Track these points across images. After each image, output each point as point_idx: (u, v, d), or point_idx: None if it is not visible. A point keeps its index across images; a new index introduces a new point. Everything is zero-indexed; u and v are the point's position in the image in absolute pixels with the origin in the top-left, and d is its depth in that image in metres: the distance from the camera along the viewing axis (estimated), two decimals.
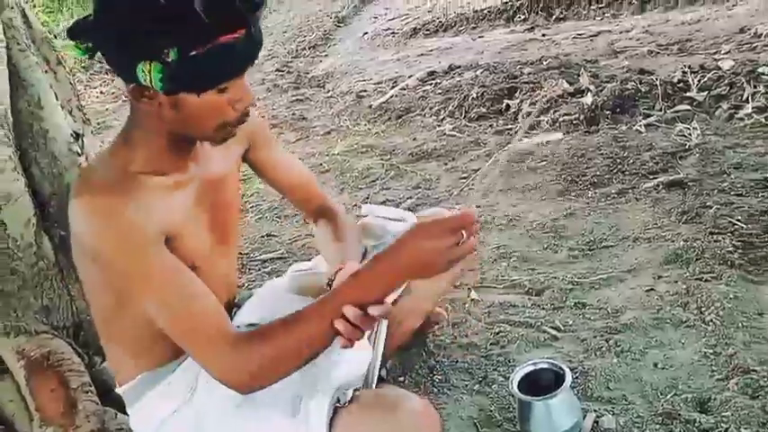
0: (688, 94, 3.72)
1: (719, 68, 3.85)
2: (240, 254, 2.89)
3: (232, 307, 1.62)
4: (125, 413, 1.63)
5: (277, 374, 1.24)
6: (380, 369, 1.67)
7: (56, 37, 5.43)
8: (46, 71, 1.97)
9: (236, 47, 1.20)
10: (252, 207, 3.39)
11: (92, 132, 2.15)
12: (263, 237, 3.12)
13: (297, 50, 6.33)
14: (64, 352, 1.85)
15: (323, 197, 1.82)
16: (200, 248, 1.39)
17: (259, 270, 2.81)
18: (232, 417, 1.39)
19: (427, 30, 6.36)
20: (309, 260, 1.89)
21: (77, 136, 1.96)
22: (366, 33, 6.64)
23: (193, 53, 1.16)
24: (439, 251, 1.15)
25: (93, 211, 1.25)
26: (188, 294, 1.27)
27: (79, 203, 1.26)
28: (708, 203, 2.75)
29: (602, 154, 3.36)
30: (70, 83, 2.07)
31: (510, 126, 3.90)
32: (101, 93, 5.94)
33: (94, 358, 1.93)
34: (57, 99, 1.95)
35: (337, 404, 1.35)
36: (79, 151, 1.94)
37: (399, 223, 1.81)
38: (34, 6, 6.83)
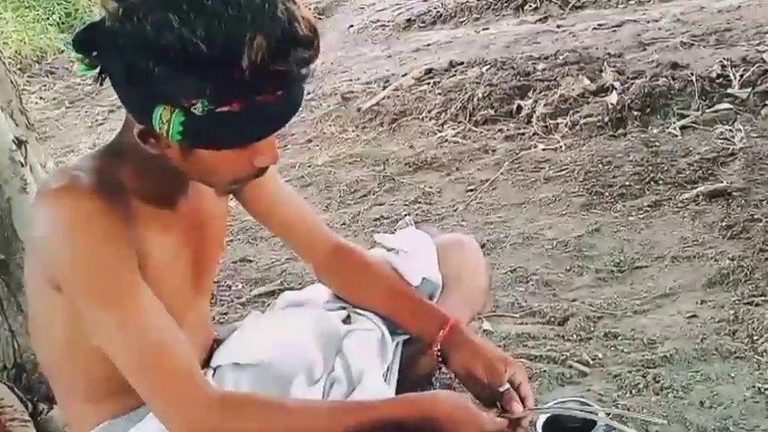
0: (729, 90, 3.76)
1: (764, 61, 3.90)
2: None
3: (211, 352, 1.61)
4: None
5: None
6: None
7: None
8: None
9: (272, 107, 1.18)
10: None
11: (36, 139, 2.15)
12: (235, 262, 3.11)
13: None
14: (4, 398, 1.85)
15: (335, 237, 1.77)
16: (177, 287, 1.40)
17: (232, 301, 2.80)
18: None
19: (423, 21, 6.39)
20: (297, 288, 1.88)
21: (20, 143, 1.97)
22: (351, 26, 6.66)
23: (225, 109, 1.14)
24: None
25: (69, 214, 1.23)
26: (160, 332, 1.27)
27: (52, 203, 1.25)
28: (756, 216, 2.78)
29: (630, 161, 3.38)
30: (11, 81, 2.08)
31: (522, 131, 3.92)
32: (40, 98, 5.92)
33: (40, 405, 1.92)
34: None
35: None
36: (23, 161, 1.95)
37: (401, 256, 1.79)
38: None
